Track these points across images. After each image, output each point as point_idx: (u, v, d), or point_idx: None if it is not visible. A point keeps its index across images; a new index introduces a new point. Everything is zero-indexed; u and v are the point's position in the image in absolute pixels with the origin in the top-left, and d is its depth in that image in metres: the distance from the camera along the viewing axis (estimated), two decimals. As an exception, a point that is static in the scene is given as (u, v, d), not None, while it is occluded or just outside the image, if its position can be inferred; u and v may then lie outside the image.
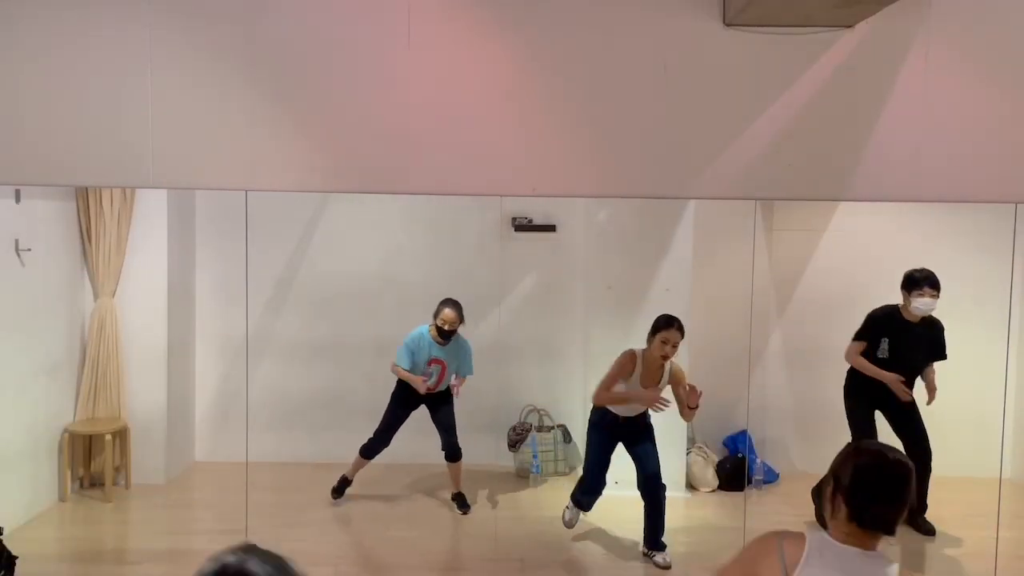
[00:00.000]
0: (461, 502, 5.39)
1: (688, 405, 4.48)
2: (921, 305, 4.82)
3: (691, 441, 5.78)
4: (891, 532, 1.97)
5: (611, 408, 4.65)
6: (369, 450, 5.32)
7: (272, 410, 6.02)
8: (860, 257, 5.82)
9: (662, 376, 4.57)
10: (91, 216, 5.54)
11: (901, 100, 3.40)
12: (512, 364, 6.09)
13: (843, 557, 1.94)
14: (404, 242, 6.24)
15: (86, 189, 5.43)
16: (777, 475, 5.75)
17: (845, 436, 5.39)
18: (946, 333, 4.98)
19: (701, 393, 4.46)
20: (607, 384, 4.60)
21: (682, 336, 4.49)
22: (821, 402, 5.62)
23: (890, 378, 4.87)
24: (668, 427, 4.91)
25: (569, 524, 4.84)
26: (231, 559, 1.22)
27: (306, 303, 6.24)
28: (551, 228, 6.22)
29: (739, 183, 3.43)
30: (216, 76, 3.38)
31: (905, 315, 4.91)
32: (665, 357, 4.48)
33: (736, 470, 5.57)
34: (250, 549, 1.26)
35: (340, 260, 6.22)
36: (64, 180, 3.75)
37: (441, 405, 5.35)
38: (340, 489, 5.41)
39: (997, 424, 4.58)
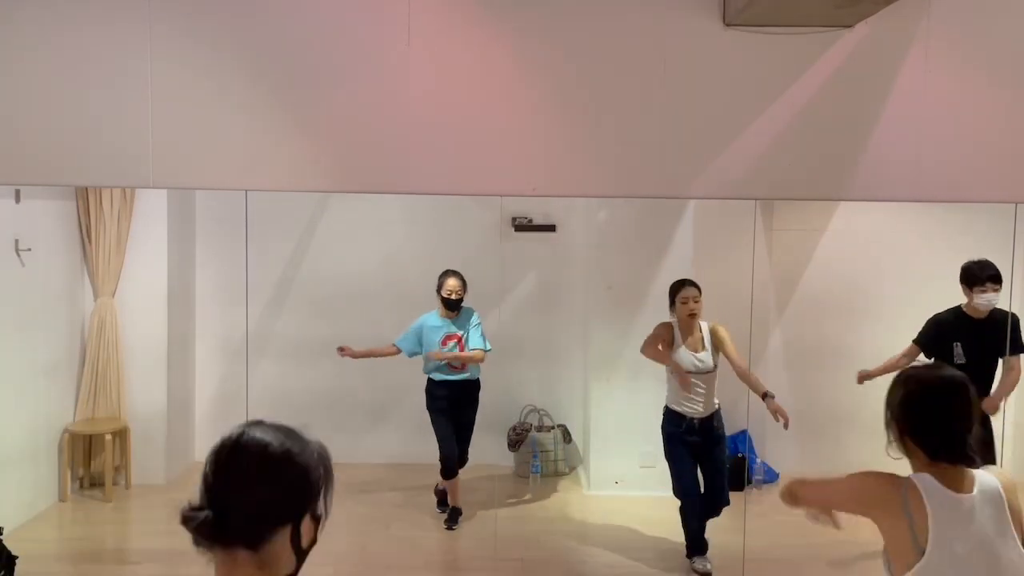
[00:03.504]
0: (454, 516, 5.24)
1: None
2: (985, 300, 4.50)
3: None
4: (970, 460, 1.87)
5: (682, 410, 4.53)
6: (447, 470, 5.13)
7: (272, 410, 5.95)
8: (860, 257, 5.82)
9: (703, 340, 4.57)
10: (91, 216, 5.55)
11: (901, 100, 3.40)
12: (512, 364, 6.09)
13: (962, 508, 1.84)
14: (404, 242, 6.24)
15: (86, 189, 5.43)
16: (777, 475, 5.75)
17: (846, 436, 5.40)
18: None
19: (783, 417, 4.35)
20: (650, 343, 4.59)
21: (699, 291, 4.56)
22: (821, 402, 5.63)
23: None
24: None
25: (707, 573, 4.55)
26: (227, 437, 1.38)
27: (306, 303, 6.24)
28: (551, 228, 6.22)
29: (739, 183, 3.43)
30: (216, 76, 3.38)
31: (971, 313, 4.58)
32: (692, 315, 4.51)
33: (736, 470, 5.57)
34: (251, 425, 1.41)
35: (340, 260, 6.22)
36: (64, 180, 3.75)
37: (468, 409, 5.22)
38: (453, 519, 5.22)
39: (997, 424, 4.58)
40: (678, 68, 3.39)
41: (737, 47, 3.37)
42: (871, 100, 3.41)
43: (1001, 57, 3.42)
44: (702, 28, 3.37)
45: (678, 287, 4.61)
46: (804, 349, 5.79)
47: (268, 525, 1.33)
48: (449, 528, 5.17)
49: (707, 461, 4.60)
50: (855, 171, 3.43)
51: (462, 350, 5.14)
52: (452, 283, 5.10)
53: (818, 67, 3.39)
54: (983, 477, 1.90)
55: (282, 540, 1.35)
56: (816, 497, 2.07)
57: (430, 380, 5.20)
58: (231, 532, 1.32)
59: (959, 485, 1.87)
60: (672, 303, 4.62)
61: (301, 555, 1.38)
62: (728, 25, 3.35)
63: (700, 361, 4.53)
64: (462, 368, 5.15)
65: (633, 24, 3.37)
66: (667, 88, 3.39)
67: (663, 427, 4.65)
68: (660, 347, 4.57)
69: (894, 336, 5.42)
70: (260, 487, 1.33)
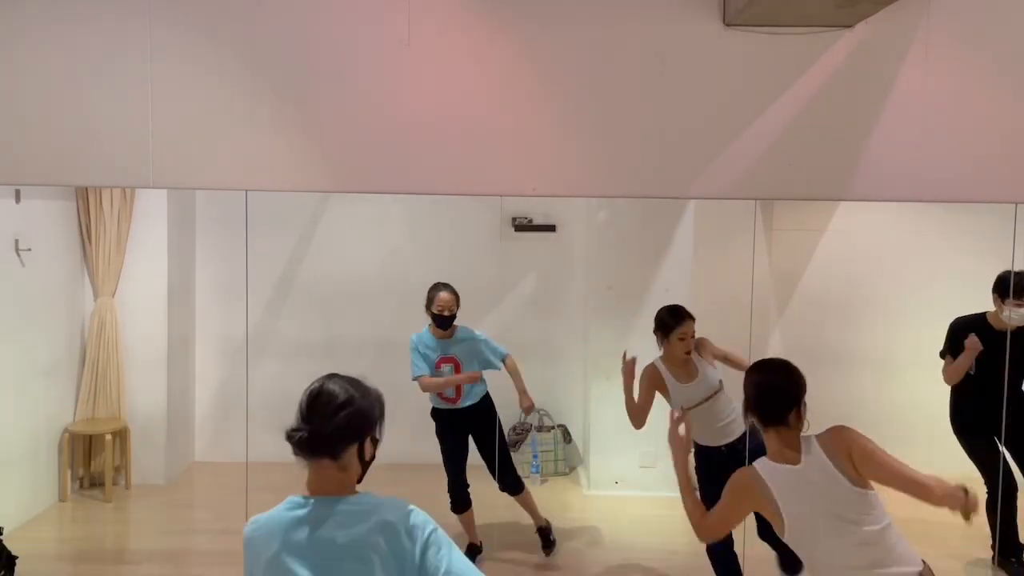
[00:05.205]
0: (545, 537, 4.80)
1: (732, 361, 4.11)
2: (1016, 316, 4.19)
3: (692, 442, 5.75)
4: (784, 424, 2.57)
5: (707, 443, 4.14)
6: (456, 503, 4.71)
7: (272, 410, 5.97)
8: (860, 257, 5.82)
9: (695, 368, 4.08)
10: (91, 216, 5.55)
11: (901, 100, 3.40)
12: (512, 364, 6.08)
13: (793, 475, 2.49)
14: (404, 242, 6.24)
15: (86, 189, 5.43)
16: (777, 475, 5.75)
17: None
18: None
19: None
20: (638, 409, 4.12)
21: (694, 321, 4.05)
22: (821, 402, 5.60)
23: (969, 350, 4.26)
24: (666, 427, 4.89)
25: None
26: (314, 384, 2.04)
27: (306, 303, 6.24)
28: (551, 228, 6.22)
29: (739, 183, 3.43)
30: (216, 76, 3.38)
31: (995, 324, 4.30)
32: (689, 352, 4.03)
33: (736, 470, 5.56)
34: (330, 376, 2.05)
35: (340, 260, 6.22)
36: (64, 180, 3.75)
37: (486, 428, 4.68)
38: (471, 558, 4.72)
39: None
40: (678, 68, 3.38)
41: (737, 47, 3.37)
42: (871, 100, 3.41)
43: (1001, 57, 3.42)
44: (702, 28, 3.37)
45: (676, 322, 4.02)
46: (804, 349, 5.78)
47: (343, 443, 1.99)
48: None
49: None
50: (855, 171, 3.42)
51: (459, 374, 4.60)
52: (445, 297, 4.45)
53: (818, 67, 3.39)
54: (810, 443, 2.55)
55: (352, 453, 2.01)
56: (718, 520, 2.59)
57: (433, 406, 4.77)
58: (319, 445, 1.98)
59: (789, 457, 2.53)
60: (665, 338, 4.05)
61: (364, 466, 2.07)
62: (728, 25, 3.35)
63: (703, 388, 4.07)
64: (456, 399, 4.66)
65: (633, 24, 3.37)
66: (667, 88, 3.39)
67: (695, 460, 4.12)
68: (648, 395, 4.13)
69: (894, 336, 5.44)
70: (335, 418, 1.99)
